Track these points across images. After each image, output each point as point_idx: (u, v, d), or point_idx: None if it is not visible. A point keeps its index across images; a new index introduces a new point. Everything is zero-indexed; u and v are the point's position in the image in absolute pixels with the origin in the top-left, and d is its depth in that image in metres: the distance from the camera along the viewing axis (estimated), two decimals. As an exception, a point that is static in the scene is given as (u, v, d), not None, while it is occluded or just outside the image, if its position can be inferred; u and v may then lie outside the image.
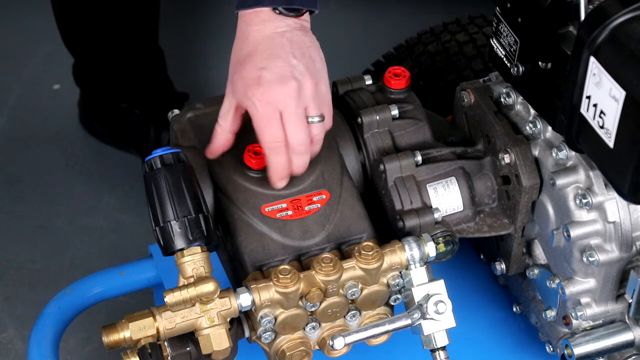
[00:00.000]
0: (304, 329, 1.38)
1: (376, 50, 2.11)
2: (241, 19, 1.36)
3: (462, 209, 1.48)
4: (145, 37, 2.39)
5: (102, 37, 2.33)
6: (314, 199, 1.41)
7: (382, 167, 1.45)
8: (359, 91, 1.52)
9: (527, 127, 1.42)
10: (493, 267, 1.55)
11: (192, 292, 1.28)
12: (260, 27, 1.35)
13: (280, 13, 1.34)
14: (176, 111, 1.51)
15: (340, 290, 1.35)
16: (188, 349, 1.33)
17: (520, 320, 1.64)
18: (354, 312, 1.39)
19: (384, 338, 1.42)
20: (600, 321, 1.45)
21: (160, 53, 2.45)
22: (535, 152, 1.42)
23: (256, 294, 1.30)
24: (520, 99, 1.44)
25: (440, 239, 1.41)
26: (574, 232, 1.37)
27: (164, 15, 2.43)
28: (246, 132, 1.40)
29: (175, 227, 1.29)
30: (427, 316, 1.34)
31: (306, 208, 1.40)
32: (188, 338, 1.33)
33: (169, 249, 1.30)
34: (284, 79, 1.32)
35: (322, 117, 1.37)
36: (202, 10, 2.89)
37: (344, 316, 1.39)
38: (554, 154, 1.38)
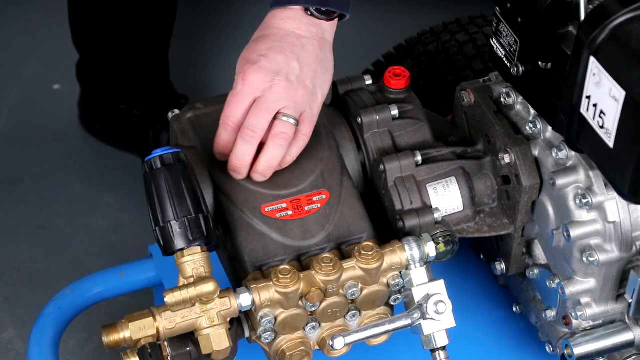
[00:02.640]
0: (304, 329, 1.38)
1: (376, 50, 2.11)
2: (269, 13, 1.37)
3: (462, 209, 1.48)
4: (157, 47, 2.39)
5: (114, 39, 2.33)
6: (314, 199, 1.41)
7: (382, 167, 1.45)
8: (359, 91, 1.52)
9: (527, 127, 1.42)
10: (493, 267, 1.55)
11: (192, 292, 1.28)
12: (282, 23, 1.35)
13: (312, 14, 1.35)
14: (176, 111, 1.51)
15: (340, 290, 1.35)
16: (188, 349, 1.33)
17: (520, 320, 1.64)
18: (354, 312, 1.39)
19: (384, 338, 1.42)
20: (600, 321, 1.45)
21: (166, 61, 2.45)
22: (535, 152, 1.42)
23: (256, 294, 1.30)
24: (520, 99, 1.44)
25: (440, 239, 1.41)
26: (574, 232, 1.37)
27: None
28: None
29: (175, 227, 1.29)
30: (427, 316, 1.34)
31: (306, 208, 1.40)
32: (188, 338, 1.33)
33: (169, 249, 1.30)
34: (276, 72, 1.33)
35: (296, 122, 1.35)
36: (203, 13, 2.89)
37: (344, 316, 1.39)
38: (554, 154, 1.38)
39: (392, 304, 1.41)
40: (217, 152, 1.40)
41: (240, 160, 1.37)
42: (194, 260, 1.30)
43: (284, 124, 1.34)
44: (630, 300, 1.38)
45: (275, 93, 1.33)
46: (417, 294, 1.35)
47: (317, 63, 1.36)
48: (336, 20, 1.38)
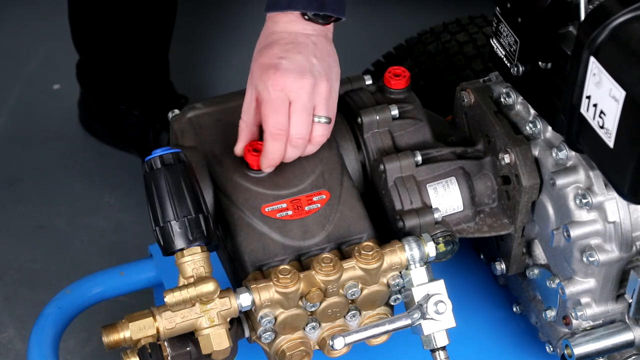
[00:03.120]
0: (304, 329, 1.38)
1: (376, 50, 2.11)
2: (269, 19, 1.39)
3: (462, 209, 1.48)
4: (157, 48, 2.39)
5: (114, 40, 2.33)
6: (314, 199, 1.41)
7: (382, 167, 1.45)
8: (359, 91, 1.52)
9: (527, 127, 1.42)
10: (493, 267, 1.55)
11: (192, 292, 1.28)
12: (287, 26, 1.37)
13: (309, 19, 1.36)
14: (176, 111, 1.51)
15: (340, 290, 1.35)
16: (188, 349, 1.33)
17: (520, 320, 1.64)
18: (354, 312, 1.39)
19: (384, 338, 1.42)
20: (600, 321, 1.45)
21: (166, 62, 2.45)
22: (535, 152, 1.42)
23: (256, 294, 1.30)
24: (520, 99, 1.44)
25: (440, 239, 1.41)
26: (574, 232, 1.37)
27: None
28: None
29: (175, 227, 1.29)
30: (427, 316, 1.34)
31: (306, 208, 1.40)
32: (188, 338, 1.33)
33: (169, 249, 1.30)
34: (302, 71, 1.34)
35: (329, 120, 1.37)
36: (203, 13, 2.89)
37: (344, 316, 1.39)
38: (554, 154, 1.38)
39: (392, 304, 1.41)
40: (269, 164, 1.39)
41: (289, 160, 1.40)
42: (194, 260, 1.30)
43: (321, 127, 1.38)
44: (630, 300, 1.38)
45: (306, 93, 1.34)
46: (417, 294, 1.35)
47: (330, 58, 1.38)
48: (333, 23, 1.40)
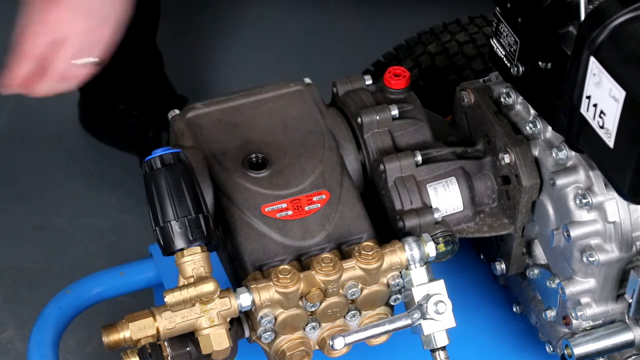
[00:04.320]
0: (304, 329, 1.38)
1: (376, 50, 2.11)
2: None
3: (462, 209, 1.48)
4: (143, 38, 2.39)
5: None
6: (314, 199, 1.41)
7: (382, 167, 1.45)
8: (359, 91, 1.52)
9: (527, 127, 1.42)
10: (493, 267, 1.55)
11: (192, 292, 1.28)
12: None
13: None
14: (176, 111, 1.51)
15: (340, 290, 1.35)
16: (188, 349, 1.33)
17: (520, 320, 1.64)
18: (354, 312, 1.39)
19: (384, 338, 1.42)
20: (600, 321, 1.45)
21: (158, 54, 2.44)
22: (535, 152, 1.42)
23: (256, 294, 1.30)
24: (520, 99, 1.44)
25: (440, 239, 1.41)
26: (574, 232, 1.37)
27: (164, 20, 2.42)
28: (246, 130, 1.41)
29: (175, 227, 1.29)
30: (427, 316, 1.34)
31: (306, 208, 1.40)
32: (188, 338, 1.33)
33: (169, 249, 1.30)
34: (81, 10, 1.39)
35: (100, 61, 1.43)
36: (203, 14, 2.89)
37: (344, 316, 1.39)
38: (554, 154, 1.38)
39: (392, 304, 1.41)
40: (8, 83, 1.42)
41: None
42: (194, 260, 1.30)
43: (91, 67, 1.46)
44: (630, 300, 1.38)
45: (81, 31, 1.42)
46: (417, 294, 1.35)
47: (115, 2, 1.45)
48: None
